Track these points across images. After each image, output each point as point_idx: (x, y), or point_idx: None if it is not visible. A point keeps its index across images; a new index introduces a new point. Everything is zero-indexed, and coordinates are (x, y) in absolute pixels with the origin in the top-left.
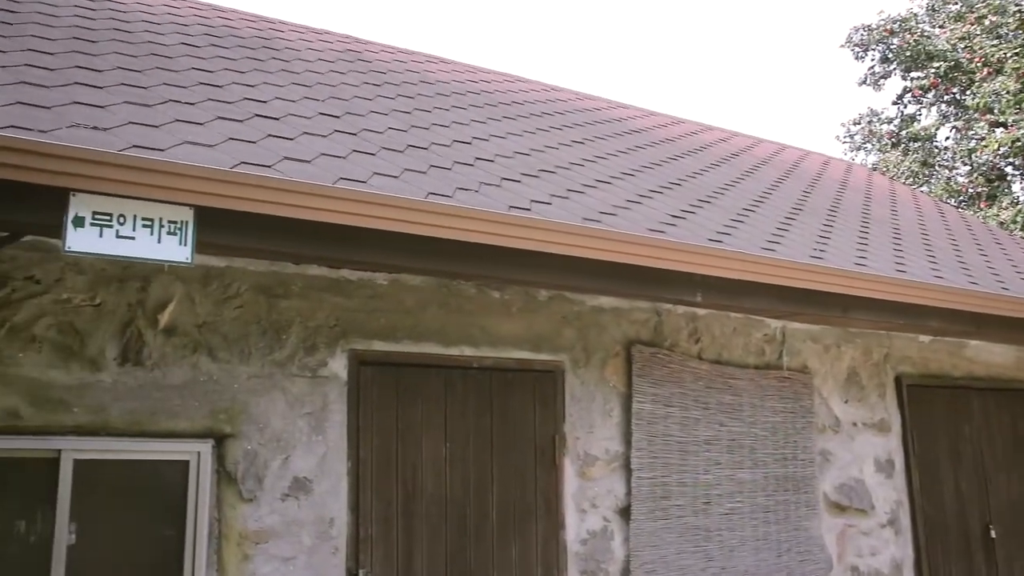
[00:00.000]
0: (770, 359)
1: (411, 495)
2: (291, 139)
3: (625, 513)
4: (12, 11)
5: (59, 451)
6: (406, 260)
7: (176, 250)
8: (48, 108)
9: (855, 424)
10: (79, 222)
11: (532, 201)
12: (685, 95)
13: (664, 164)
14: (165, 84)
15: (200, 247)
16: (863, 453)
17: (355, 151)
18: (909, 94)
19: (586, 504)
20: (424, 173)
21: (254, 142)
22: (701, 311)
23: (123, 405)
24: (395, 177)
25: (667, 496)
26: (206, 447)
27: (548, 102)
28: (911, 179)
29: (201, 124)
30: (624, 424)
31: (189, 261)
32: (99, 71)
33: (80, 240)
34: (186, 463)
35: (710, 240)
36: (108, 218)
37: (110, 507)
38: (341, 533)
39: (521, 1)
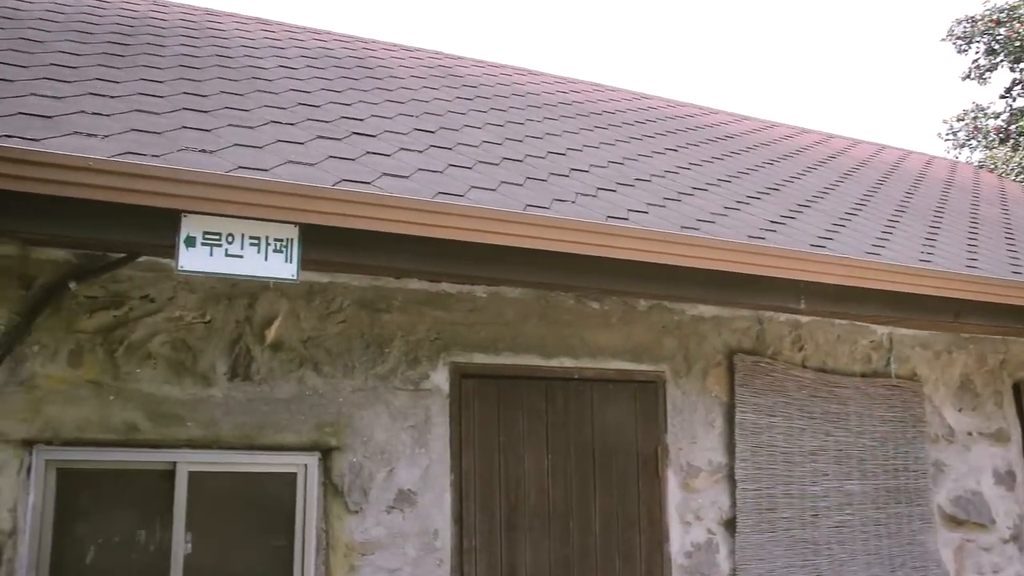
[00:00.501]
0: (877, 366)
1: (514, 507)
2: (389, 155)
3: (730, 525)
4: (123, 43)
5: (174, 463)
6: (505, 272)
7: (282, 267)
8: (159, 133)
9: (970, 434)
10: (191, 242)
11: (629, 210)
12: (774, 99)
13: (760, 169)
14: (266, 106)
15: (304, 263)
16: (980, 464)
17: (451, 165)
18: (1019, 86)
19: (690, 516)
20: (520, 185)
21: (353, 159)
22: (804, 318)
23: (233, 419)
24: (492, 190)
25: (773, 508)
26: (313, 460)
27: (638, 110)
28: (1022, 176)
29: (302, 144)
30: (727, 435)
31: (295, 278)
32: (204, 96)
33: (192, 259)
34: (294, 475)
35: (812, 245)
36: (217, 237)
37: (223, 518)
38: (445, 545)
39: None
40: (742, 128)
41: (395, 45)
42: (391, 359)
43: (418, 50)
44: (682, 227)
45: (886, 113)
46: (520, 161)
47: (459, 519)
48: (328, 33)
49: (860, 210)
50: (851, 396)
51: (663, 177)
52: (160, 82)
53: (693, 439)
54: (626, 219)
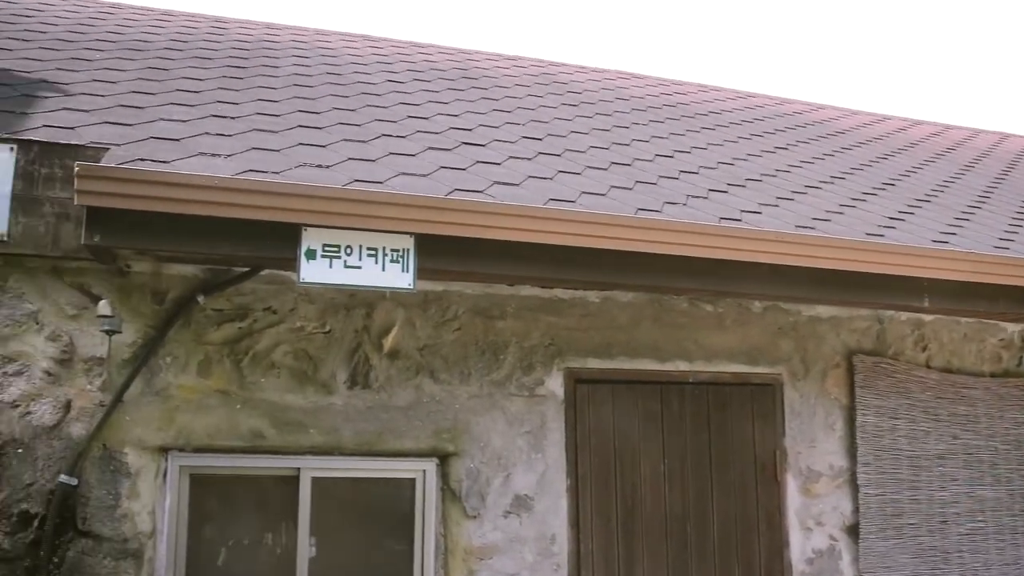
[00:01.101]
0: (1008, 366)
1: (630, 512)
2: (498, 164)
3: (853, 531)
4: (240, 67)
5: (298, 469)
6: (617, 277)
7: (399, 277)
8: (278, 151)
9: None
10: (311, 254)
11: (741, 211)
12: (884, 92)
13: (874, 164)
14: (377, 120)
15: (420, 273)
16: None
17: (561, 172)
18: None
19: (811, 522)
20: (630, 189)
21: (464, 169)
22: (927, 317)
23: (354, 426)
24: (603, 195)
25: (898, 514)
26: (431, 465)
27: (744, 109)
28: None
29: (413, 155)
30: (848, 438)
31: (412, 287)
32: (318, 113)
33: (312, 271)
34: (413, 481)
35: (934, 241)
36: (337, 249)
37: (345, 522)
38: (563, 550)
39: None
40: (853, 123)
41: (497, 55)
42: (506, 365)
43: (520, 58)
44: (797, 226)
45: (1008, 100)
46: (628, 165)
47: (576, 524)
48: (432, 46)
49: (984, 203)
50: (980, 397)
51: (774, 176)
52: (276, 101)
53: (812, 443)
54: (739, 220)
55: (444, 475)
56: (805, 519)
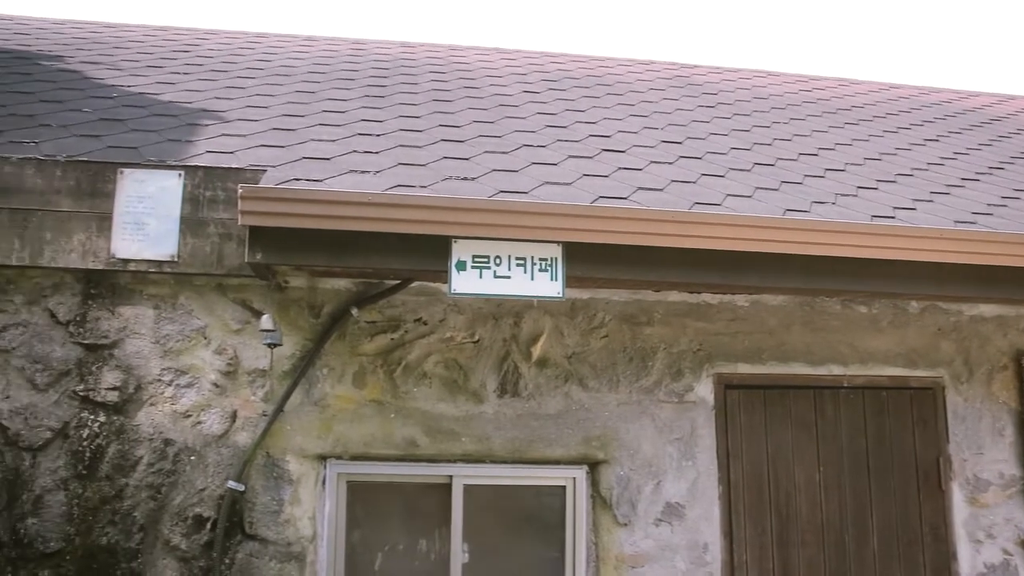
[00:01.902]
0: None
1: (785, 520)
2: (640, 169)
3: None
4: (381, 85)
5: (451, 477)
6: (766, 280)
7: (548, 286)
8: (423, 165)
9: None
10: (461, 266)
11: (894, 208)
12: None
13: None
14: (517, 131)
15: (567, 280)
16: None
17: (704, 175)
18: None
19: (981, 534)
20: (776, 190)
21: (606, 176)
22: None
23: (504, 434)
24: (748, 197)
25: None
26: (581, 473)
27: (889, 101)
28: None
29: (555, 164)
30: (1019, 444)
31: (561, 296)
32: (459, 127)
33: (463, 282)
34: (563, 488)
35: None
36: (486, 260)
37: (497, 529)
38: (716, 559)
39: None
40: (1009, 109)
41: (630, 60)
42: (654, 372)
43: (652, 62)
44: (956, 222)
45: None
46: (772, 165)
47: (729, 533)
48: (564, 55)
49: None
50: None
51: (926, 170)
52: (417, 117)
53: (979, 450)
54: (892, 217)
55: (594, 483)
56: (974, 531)
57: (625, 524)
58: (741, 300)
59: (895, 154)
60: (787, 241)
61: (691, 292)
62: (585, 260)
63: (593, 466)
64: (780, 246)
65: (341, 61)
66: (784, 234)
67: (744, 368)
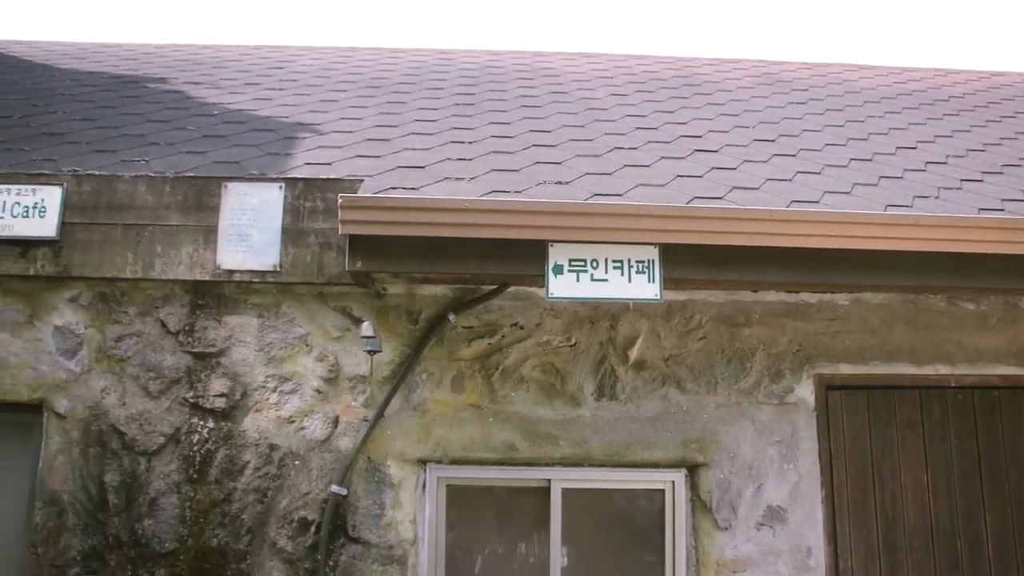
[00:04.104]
0: None
1: (891, 525)
2: (734, 169)
3: None
4: (470, 93)
5: (549, 480)
6: (868, 278)
7: (646, 288)
8: (516, 171)
9: None
10: (558, 270)
11: (1002, 200)
12: None
13: None
14: (607, 134)
15: (664, 282)
16: None
17: (799, 172)
18: None
19: None
20: (875, 185)
21: (700, 176)
22: None
23: (602, 437)
24: (846, 193)
25: None
26: (679, 476)
27: (990, 90)
28: None
29: (648, 166)
30: None
31: (658, 298)
32: (549, 131)
33: (560, 286)
34: (661, 492)
35: None
36: (583, 263)
37: (595, 533)
38: (819, 564)
39: None
40: None
41: (716, 59)
42: (753, 373)
43: (739, 60)
44: None
45: None
46: (869, 160)
47: (832, 537)
48: (650, 57)
49: None
50: None
51: None
52: (508, 124)
53: None
54: (1001, 210)
55: (693, 486)
56: None
57: (726, 528)
58: (841, 299)
59: (1000, 144)
60: (888, 237)
61: (789, 292)
62: (682, 261)
63: (692, 469)
64: (881, 242)
65: (429, 71)
66: (886, 230)
67: (846, 368)
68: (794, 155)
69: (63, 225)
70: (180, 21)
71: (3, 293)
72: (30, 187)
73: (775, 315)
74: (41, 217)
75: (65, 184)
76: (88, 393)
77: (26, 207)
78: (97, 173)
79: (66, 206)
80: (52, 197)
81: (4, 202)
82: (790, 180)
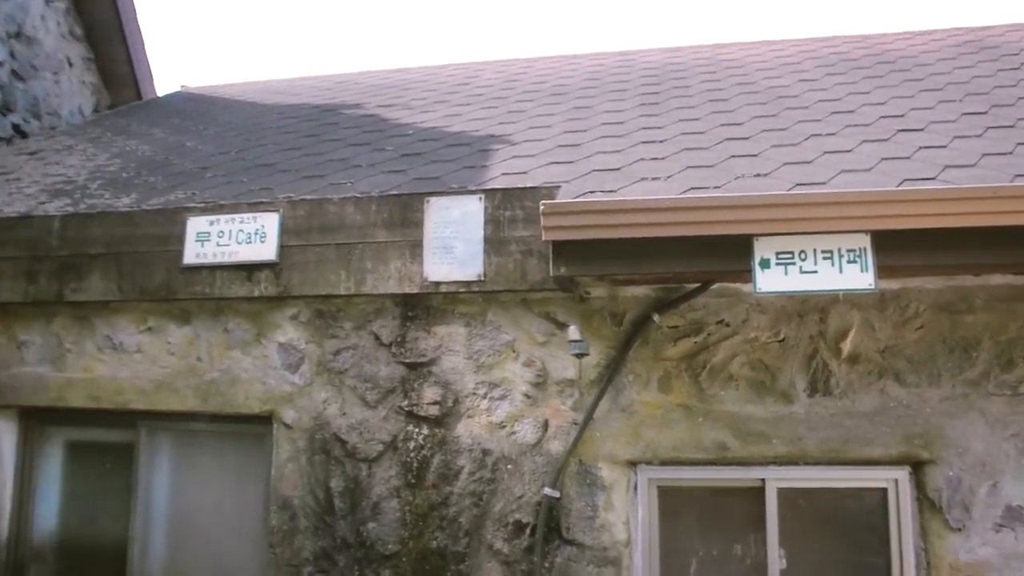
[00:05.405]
0: None
1: None
2: (944, 147)
3: None
4: (654, 92)
5: (763, 480)
6: None
7: (858, 278)
8: (711, 167)
9: None
10: (765, 264)
11: None
12: None
13: None
14: (801, 121)
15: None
16: None
17: (1020, 144)
18: None
19: None
20: None
21: (907, 158)
22: None
23: (817, 435)
24: None
25: None
26: (903, 474)
27: None
28: None
29: (849, 151)
30: None
31: (873, 287)
32: (740, 124)
33: (768, 281)
34: (883, 491)
35: None
36: (790, 256)
37: (814, 534)
38: None
39: None
40: None
41: (908, 32)
42: (980, 363)
43: (932, 31)
44: None
45: None
46: None
47: None
48: (836, 38)
49: None
50: None
51: None
52: (696, 119)
53: None
54: None
55: (919, 484)
56: None
57: (959, 529)
58: None
59: None
60: None
61: (1017, 274)
62: (896, 248)
63: (916, 466)
64: None
65: (610, 74)
66: None
67: None
68: (1011, 126)
69: (281, 248)
70: (361, 50)
71: (233, 314)
72: (251, 215)
73: (1002, 299)
74: (262, 242)
75: (281, 210)
76: (311, 404)
77: (248, 234)
78: (309, 198)
79: (283, 230)
80: (271, 223)
81: (229, 230)
82: (1010, 153)
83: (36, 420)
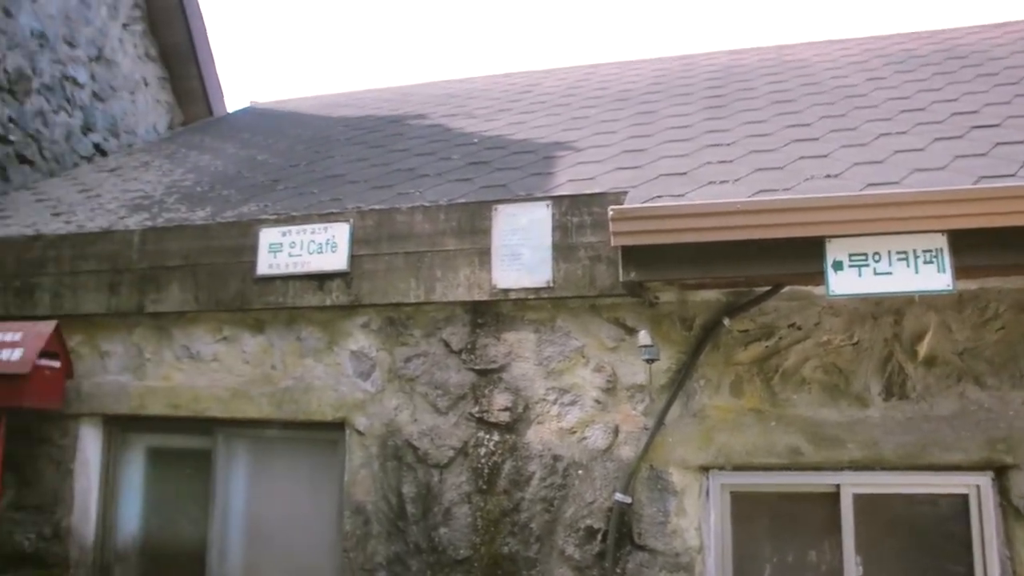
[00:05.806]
0: None
1: None
2: (1022, 142)
3: None
4: (718, 95)
5: (838, 485)
6: None
7: (935, 279)
8: (780, 168)
9: None
10: (838, 266)
11: None
12: None
13: None
14: (869, 121)
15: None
16: None
17: None
18: None
19: None
20: None
21: (983, 155)
22: None
23: (894, 439)
24: None
25: None
26: (985, 480)
27: None
28: None
29: (921, 150)
30: None
31: (951, 288)
32: (807, 124)
33: (841, 283)
34: (964, 496)
35: None
36: (864, 258)
37: (891, 540)
38: None
39: None
40: None
41: (980, 26)
42: None
43: (1005, 24)
44: None
45: None
46: None
47: None
48: (903, 34)
49: None
50: None
51: None
52: (762, 121)
53: None
54: None
55: (1003, 490)
56: None
57: None
58: None
59: None
60: None
61: None
62: (973, 248)
63: (999, 472)
64: None
65: (674, 78)
66: None
67: None
68: None
69: (352, 257)
70: (421, 62)
71: (305, 323)
72: (322, 225)
73: None
74: (333, 252)
75: (351, 220)
76: (383, 411)
77: (319, 244)
78: (378, 207)
79: (353, 240)
80: (341, 233)
81: (301, 241)
82: None
83: (118, 427)
